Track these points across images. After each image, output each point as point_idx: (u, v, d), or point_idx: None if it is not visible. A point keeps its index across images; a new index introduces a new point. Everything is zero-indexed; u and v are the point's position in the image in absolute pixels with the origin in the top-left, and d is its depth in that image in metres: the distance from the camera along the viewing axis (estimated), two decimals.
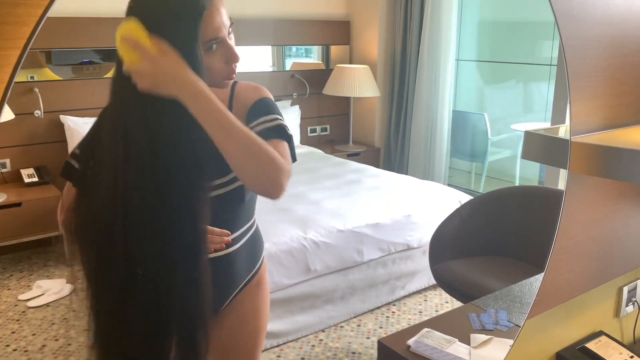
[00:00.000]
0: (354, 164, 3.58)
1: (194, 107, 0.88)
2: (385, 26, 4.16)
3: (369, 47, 4.22)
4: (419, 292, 2.83)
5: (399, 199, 2.93)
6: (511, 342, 1.31)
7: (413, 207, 2.82)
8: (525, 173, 3.72)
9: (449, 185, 3.66)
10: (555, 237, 1.19)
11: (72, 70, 3.11)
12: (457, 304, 2.25)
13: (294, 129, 3.96)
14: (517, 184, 3.73)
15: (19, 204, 2.66)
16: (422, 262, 2.71)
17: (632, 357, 1.39)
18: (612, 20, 1.14)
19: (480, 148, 3.85)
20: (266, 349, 2.33)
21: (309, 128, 4.19)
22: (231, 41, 0.99)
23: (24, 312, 2.44)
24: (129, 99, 0.92)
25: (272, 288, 2.30)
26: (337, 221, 2.57)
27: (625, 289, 1.53)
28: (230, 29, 0.99)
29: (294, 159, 1.04)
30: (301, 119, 4.01)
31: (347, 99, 4.21)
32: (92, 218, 0.98)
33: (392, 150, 4.22)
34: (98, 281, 1.03)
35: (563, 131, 1.24)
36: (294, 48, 4.26)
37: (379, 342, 1.58)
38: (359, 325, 2.55)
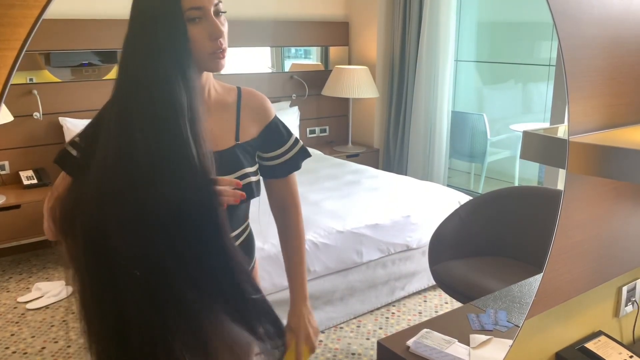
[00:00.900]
0: (353, 165, 3.58)
1: None
2: (384, 27, 4.16)
3: (368, 48, 4.23)
4: (418, 292, 2.83)
5: (398, 199, 2.93)
6: (510, 342, 1.31)
7: (412, 207, 2.82)
8: (525, 173, 3.72)
9: (448, 185, 3.66)
10: (554, 237, 1.19)
11: (71, 72, 3.11)
12: (457, 304, 2.25)
13: (293, 130, 3.94)
14: (516, 184, 3.73)
15: (18, 206, 2.66)
16: (422, 262, 2.70)
17: (631, 357, 1.38)
18: (609, 20, 1.14)
19: (480, 148, 3.85)
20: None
21: (308, 129, 4.19)
22: (219, 18, 0.98)
23: (23, 314, 2.44)
24: (130, 92, 0.91)
25: (272, 289, 2.30)
26: (337, 222, 2.57)
27: (625, 289, 1.53)
28: (220, 6, 0.98)
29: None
30: (300, 120, 4.01)
31: (346, 100, 4.21)
32: (81, 210, 0.93)
33: (392, 151, 4.22)
34: (87, 280, 0.98)
35: (562, 131, 1.24)
36: (292, 49, 4.26)
37: (379, 343, 1.58)
38: (358, 326, 2.55)
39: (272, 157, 1.17)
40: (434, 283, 2.53)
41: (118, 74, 0.94)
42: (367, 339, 2.45)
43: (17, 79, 0.74)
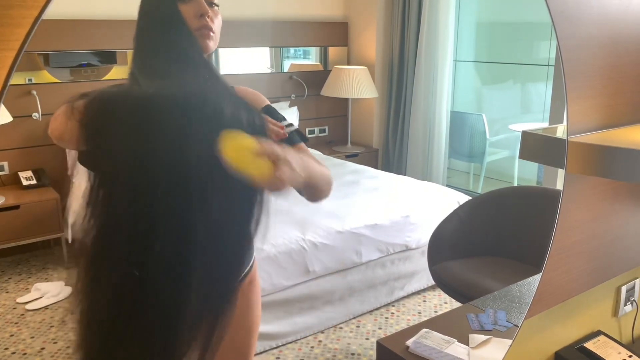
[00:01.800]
0: (353, 165, 3.58)
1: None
2: (383, 27, 4.16)
3: (367, 49, 4.23)
4: (418, 292, 2.83)
5: (397, 199, 2.93)
6: (510, 342, 1.31)
7: (411, 207, 2.82)
8: (524, 173, 3.72)
9: (447, 185, 3.66)
10: (553, 237, 1.19)
11: (71, 72, 3.11)
12: (456, 304, 2.25)
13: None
14: (515, 184, 3.73)
15: (17, 207, 2.66)
16: (421, 262, 2.70)
17: (630, 356, 1.39)
18: (608, 20, 1.14)
19: (479, 148, 3.86)
20: (265, 351, 2.33)
21: (307, 129, 4.19)
22: (212, 8, 1.06)
23: (22, 315, 2.44)
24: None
25: (271, 290, 2.30)
26: (336, 222, 2.57)
27: (624, 289, 1.53)
28: None
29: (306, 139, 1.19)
30: (299, 120, 4.01)
31: (346, 100, 4.21)
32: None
33: (391, 151, 4.22)
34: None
35: (560, 131, 1.24)
36: (292, 49, 4.27)
37: (378, 343, 1.58)
38: (358, 326, 2.55)
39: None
40: (433, 283, 2.53)
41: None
42: (367, 339, 2.45)
43: (16, 79, 0.74)
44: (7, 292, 2.60)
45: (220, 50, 3.75)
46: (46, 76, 3.00)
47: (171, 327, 1.00)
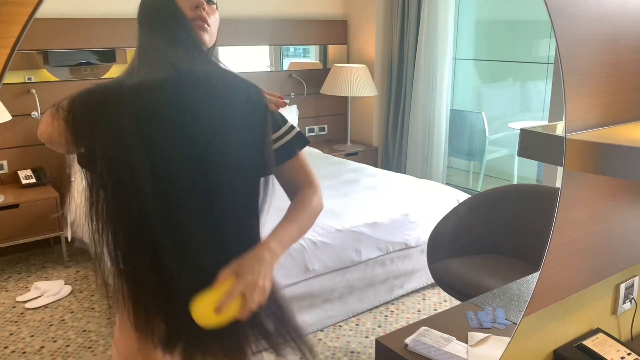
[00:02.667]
0: (352, 164, 3.58)
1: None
2: (383, 25, 4.16)
3: (367, 47, 4.23)
4: (417, 291, 2.83)
5: (396, 198, 2.93)
6: (508, 340, 1.32)
7: (411, 206, 2.82)
8: (523, 171, 3.72)
9: (447, 184, 3.66)
10: (551, 235, 1.19)
11: (70, 71, 3.11)
12: (456, 302, 2.25)
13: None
14: (515, 182, 3.73)
15: (16, 206, 2.66)
16: (421, 261, 2.70)
17: (629, 354, 1.39)
18: (606, 17, 1.14)
19: (478, 147, 3.86)
20: (265, 349, 2.33)
21: (306, 128, 4.19)
22: (210, 5, 1.07)
23: (22, 313, 2.44)
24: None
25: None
26: (335, 221, 2.57)
27: (622, 286, 1.53)
28: None
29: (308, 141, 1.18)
30: (299, 118, 4.01)
31: (345, 98, 4.21)
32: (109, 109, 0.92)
33: (390, 149, 4.22)
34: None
35: (560, 129, 1.24)
36: (291, 48, 4.26)
37: (377, 341, 1.58)
38: (357, 325, 2.55)
39: (276, 137, 1.13)
40: (433, 281, 2.53)
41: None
42: (366, 337, 2.46)
43: (16, 78, 0.74)
44: (6, 290, 2.61)
45: (220, 48, 3.74)
46: (45, 75, 2.99)
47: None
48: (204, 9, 1.05)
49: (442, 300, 2.75)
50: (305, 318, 2.45)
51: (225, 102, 0.97)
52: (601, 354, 1.38)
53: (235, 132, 0.98)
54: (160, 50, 1.00)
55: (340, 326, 2.54)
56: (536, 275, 1.25)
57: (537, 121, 3.77)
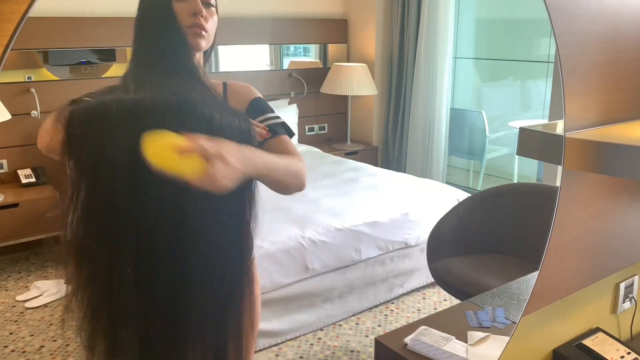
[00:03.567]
0: (352, 163, 3.58)
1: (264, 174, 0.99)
2: (383, 24, 4.16)
3: (367, 46, 4.22)
4: (417, 290, 2.83)
5: (396, 197, 2.93)
6: (508, 339, 1.31)
7: (411, 205, 2.82)
8: (523, 170, 3.72)
9: (447, 183, 3.66)
10: (551, 234, 1.19)
11: (70, 70, 3.11)
12: (456, 301, 2.25)
13: (292, 128, 3.95)
14: (515, 181, 3.73)
15: (16, 205, 2.66)
16: (421, 260, 2.70)
17: (629, 353, 1.38)
18: (605, 15, 1.14)
19: (478, 146, 3.86)
20: (264, 348, 2.33)
21: (306, 127, 4.19)
22: (208, 9, 1.07)
23: (22, 313, 2.44)
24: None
25: (270, 287, 2.30)
26: (335, 220, 2.57)
27: (622, 285, 1.52)
28: (209, 0, 1.07)
29: (293, 133, 1.19)
30: (299, 117, 4.01)
31: (345, 97, 4.21)
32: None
33: (390, 148, 4.22)
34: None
35: (559, 127, 1.24)
36: (291, 47, 4.26)
37: (376, 340, 1.58)
38: (357, 324, 2.55)
39: (261, 119, 1.14)
40: (433, 280, 2.53)
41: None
42: (366, 336, 2.46)
43: (15, 77, 0.74)
44: (6, 290, 2.61)
45: (220, 47, 3.75)
46: (45, 74, 2.99)
47: (172, 323, 1.01)
48: (202, 15, 1.05)
49: (442, 299, 2.75)
50: (305, 317, 2.45)
51: (214, 133, 0.92)
52: (601, 353, 1.38)
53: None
54: (148, 62, 1.01)
55: (340, 325, 2.54)
56: (536, 274, 1.25)
57: (537, 120, 3.77)
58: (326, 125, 4.29)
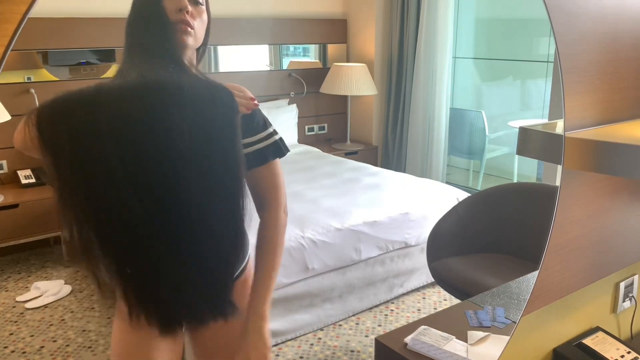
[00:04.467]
0: (352, 163, 3.58)
1: None
2: (382, 24, 4.16)
3: (366, 46, 4.22)
4: (417, 289, 2.83)
5: (396, 197, 2.93)
6: (508, 338, 1.31)
7: (411, 204, 2.82)
8: (523, 170, 3.72)
9: (447, 182, 3.66)
10: (551, 233, 1.19)
11: (70, 71, 3.10)
12: (456, 301, 2.25)
13: (292, 128, 3.96)
14: (515, 181, 3.73)
15: (16, 205, 2.66)
16: (421, 259, 2.70)
17: (629, 352, 1.38)
18: (605, 15, 1.14)
19: (478, 145, 3.85)
20: None
21: (306, 127, 4.19)
22: (197, 7, 1.07)
23: (22, 313, 2.44)
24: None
25: None
26: (335, 220, 2.57)
27: (622, 285, 1.52)
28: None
29: (287, 151, 1.20)
30: (298, 117, 4.01)
31: (345, 97, 4.21)
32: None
33: (390, 148, 4.22)
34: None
35: (559, 127, 1.24)
36: (291, 47, 4.26)
37: (376, 340, 1.58)
38: (357, 324, 2.55)
39: (244, 144, 1.14)
40: (433, 280, 2.53)
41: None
42: (366, 336, 2.46)
43: (15, 77, 0.75)
44: (6, 290, 2.61)
45: (219, 47, 3.75)
46: (45, 74, 2.99)
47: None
48: (187, 11, 1.05)
49: (442, 299, 2.75)
50: (305, 317, 2.45)
51: (192, 109, 0.96)
52: (601, 352, 1.38)
53: (204, 136, 0.98)
54: (136, 57, 1.02)
55: (340, 325, 2.54)
56: (535, 273, 1.25)
57: (537, 119, 3.77)
58: (326, 125, 4.29)
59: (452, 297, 2.48)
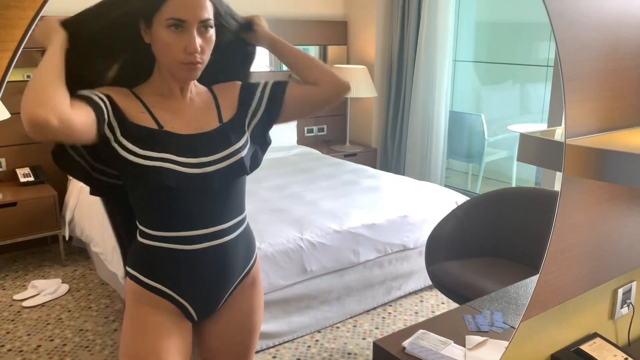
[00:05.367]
0: (351, 165, 3.58)
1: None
2: (383, 26, 4.16)
3: (366, 48, 4.23)
4: (415, 292, 2.84)
5: (395, 199, 2.93)
6: (506, 343, 1.32)
7: (409, 207, 2.82)
8: (522, 174, 3.72)
9: (445, 186, 3.65)
10: (550, 240, 1.19)
11: None
12: (454, 305, 2.25)
13: (291, 130, 3.96)
14: (513, 184, 3.73)
15: (14, 204, 2.66)
16: (419, 262, 2.71)
17: (626, 358, 1.39)
18: (607, 23, 1.14)
19: (477, 149, 3.86)
20: (262, 350, 2.33)
21: (305, 128, 4.19)
22: (207, 34, 1.07)
23: (19, 312, 2.44)
24: None
25: (268, 289, 2.30)
26: (334, 222, 2.57)
27: (620, 291, 1.53)
28: (210, 22, 1.07)
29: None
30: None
31: (344, 99, 4.20)
32: None
33: (389, 150, 4.22)
34: None
35: (559, 134, 1.24)
36: None
37: (374, 344, 1.58)
38: (354, 326, 2.55)
39: (255, 108, 1.28)
40: (431, 283, 2.53)
41: None
42: (364, 338, 2.46)
43: (15, 75, 0.75)
44: (3, 289, 2.60)
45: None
46: None
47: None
48: (202, 48, 1.05)
49: (439, 303, 2.76)
50: (303, 319, 2.45)
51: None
52: (598, 358, 1.38)
53: None
54: None
55: (337, 327, 2.54)
56: (534, 279, 1.25)
57: (536, 124, 3.77)
58: (325, 126, 4.29)
59: (450, 300, 2.48)
